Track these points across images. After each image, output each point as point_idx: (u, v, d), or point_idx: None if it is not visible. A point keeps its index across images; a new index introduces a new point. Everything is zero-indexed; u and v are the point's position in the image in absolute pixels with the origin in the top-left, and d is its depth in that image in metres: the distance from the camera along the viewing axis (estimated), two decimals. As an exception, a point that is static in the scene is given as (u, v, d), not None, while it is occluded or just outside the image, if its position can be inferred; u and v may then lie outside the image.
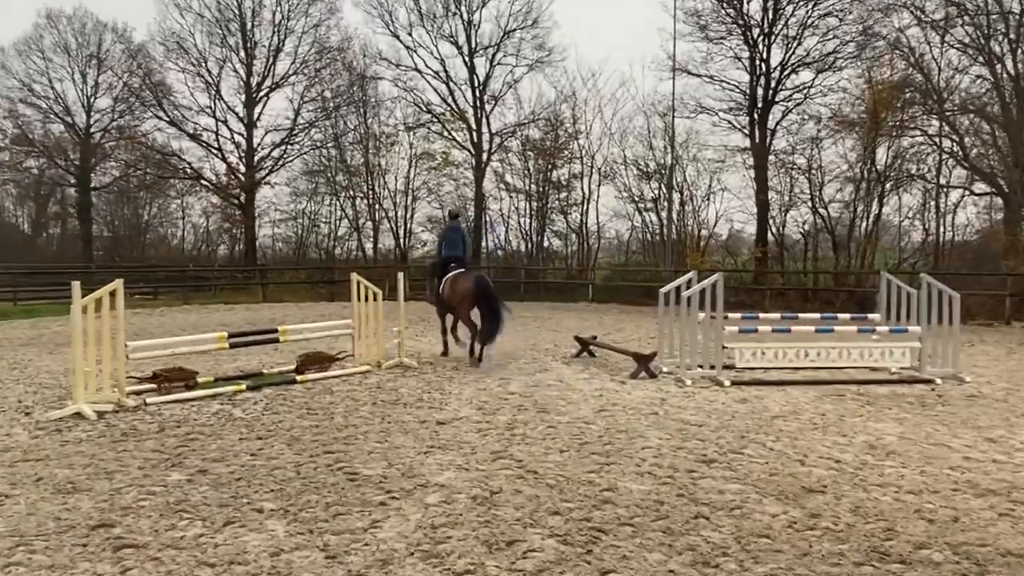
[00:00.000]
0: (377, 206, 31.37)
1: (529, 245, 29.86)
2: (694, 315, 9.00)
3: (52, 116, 36.72)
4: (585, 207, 29.07)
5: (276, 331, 9.13)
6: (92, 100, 37.13)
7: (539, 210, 29.45)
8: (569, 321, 16.96)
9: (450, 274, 10.36)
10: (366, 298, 9.85)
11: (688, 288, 9.41)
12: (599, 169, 28.95)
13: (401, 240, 31.33)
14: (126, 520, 4.17)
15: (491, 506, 4.42)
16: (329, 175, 32.31)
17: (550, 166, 29.20)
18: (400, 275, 10.48)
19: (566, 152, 29.48)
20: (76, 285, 6.96)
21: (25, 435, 6.16)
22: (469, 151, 29.60)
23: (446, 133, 29.72)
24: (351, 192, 31.88)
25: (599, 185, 29.13)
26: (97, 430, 6.34)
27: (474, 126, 29.10)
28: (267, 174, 33.19)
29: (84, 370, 6.95)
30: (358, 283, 9.79)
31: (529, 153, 29.37)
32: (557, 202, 29.61)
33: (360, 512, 4.31)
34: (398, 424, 6.52)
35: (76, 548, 3.78)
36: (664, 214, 27.25)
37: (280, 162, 32.64)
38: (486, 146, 29.32)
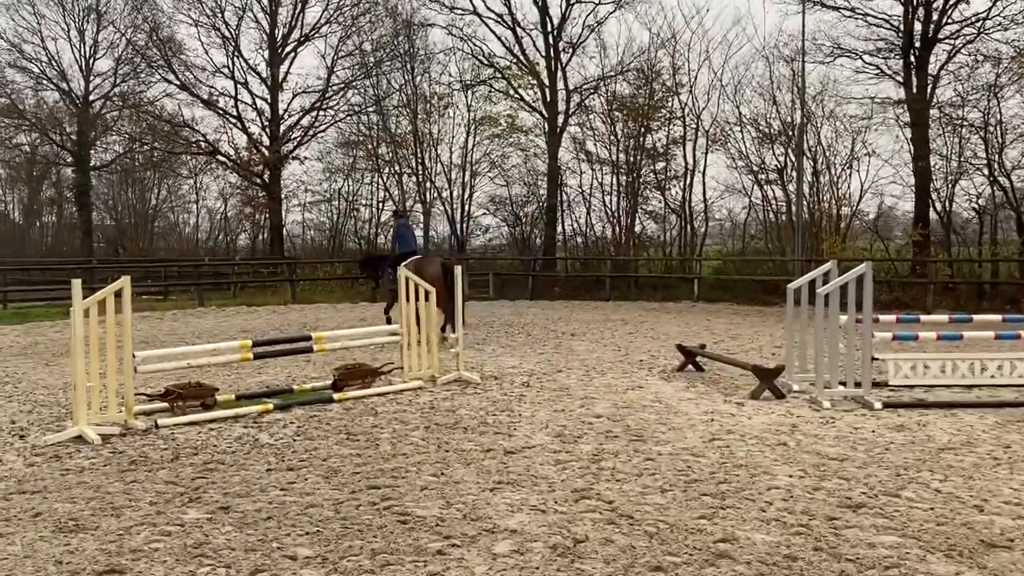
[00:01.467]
0: (428, 184, 31.83)
1: (617, 230, 29.75)
2: (834, 318, 8.79)
3: (45, 82, 38.71)
4: (688, 180, 28.78)
5: (310, 338, 9.39)
6: (91, 62, 39.00)
7: (629, 185, 29.30)
8: (668, 325, 16.81)
9: (408, 263, 13.13)
10: (416, 298, 10.02)
11: (825, 283, 9.21)
12: (707, 132, 28.63)
13: (457, 225, 31.74)
14: (137, 566, 4.36)
15: (574, 558, 4.42)
16: (370, 147, 32.97)
17: (643, 129, 29.00)
18: (458, 269, 10.58)
19: (664, 111, 29.22)
20: (76, 284, 7.32)
21: (20, 462, 6.53)
22: (541, 113, 29.69)
23: (512, 91, 29.88)
24: (396, 167, 32.46)
25: (707, 152, 28.82)
26: (102, 457, 6.65)
27: (547, 82, 29.16)
28: (295, 147, 34.15)
29: (86, 385, 7.31)
30: (407, 280, 9.97)
31: (616, 114, 29.25)
32: (652, 175, 29.39)
33: (413, 562, 4.38)
34: (457, 454, 6.61)
35: (81, 598, 3.98)
36: (792, 187, 26.64)
37: (310, 132, 33.53)
38: (562, 107, 29.33)
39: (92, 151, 40.03)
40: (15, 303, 22.41)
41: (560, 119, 29.20)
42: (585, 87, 29.41)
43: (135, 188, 41.08)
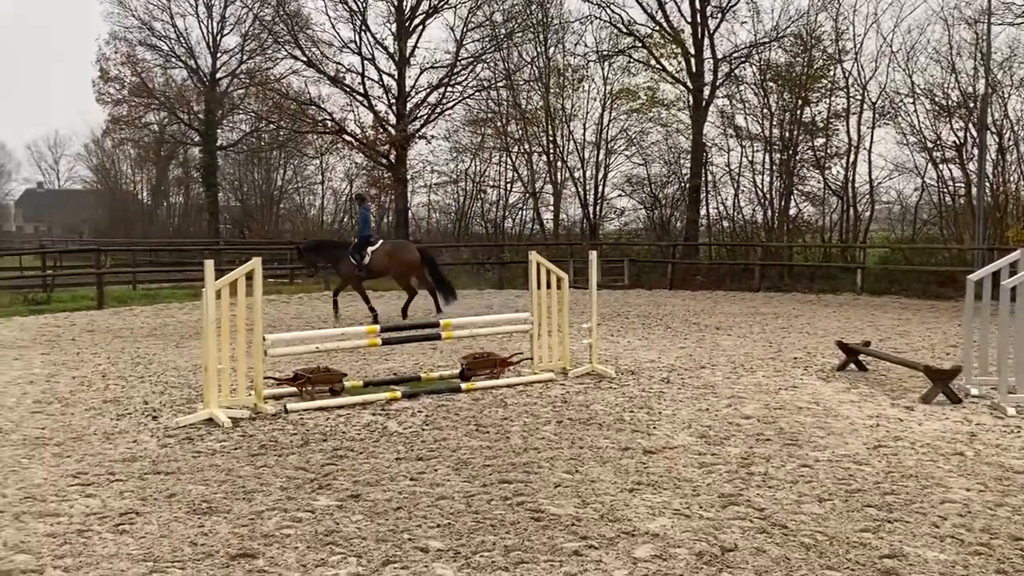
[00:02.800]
0: (560, 163, 31.92)
1: (769, 213, 28.99)
2: (1022, 314, 8.34)
3: (173, 60, 41.12)
4: (852, 159, 27.73)
5: (438, 325, 9.64)
6: (218, 38, 41.17)
7: (784, 164, 28.48)
8: (827, 320, 16.30)
9: (378, 247, 15.82)
10: (548, 285, 10.12)
11: (1012, 275, 8.77)
12: (873, 104, 27.48)
13: (590, 208, 31.72)
14: (270, 551, 4.64)
15: (722, 567, 4.41)
16: (499, 124, 33.35)
17: (800, 102, 28.11)
18: (593, 255, 10.61)
19: (824, 82, 28.22)
20: (209, 265, 7.78)
21: (154, 443, 7.02)
22: (685, 85, 29.23)
23: (653, 62, 29.53)
24: (526, 146, 32.70)
25: (873, 127, 27.67)
26: (232, 440, 7.07)
27: (692, 50, 28.66)
28: (422, 125, 34.90)
29: (217, 368, 7.77)
30: (538, 265, 10.08)
31: (770, 85, 28.47)
32: (810, 152, 28.47)
33: (548, 561, 4.47)
34: (592, 451, 6.66)
35: (216, 578, 4.27)
36: (973, 167, 25.22)
37: (437, 109, 34.18)
38: (708, 77, 28.79)
39: (218, 129, 42.29)
40: (143, 284, 23.95)
41: (706, 91, 28.65)
42: (735, 55, 28.74)
43: (260, 168, 43.04)
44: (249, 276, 8.22)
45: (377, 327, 9.37)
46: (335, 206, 41.46)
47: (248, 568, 4.41)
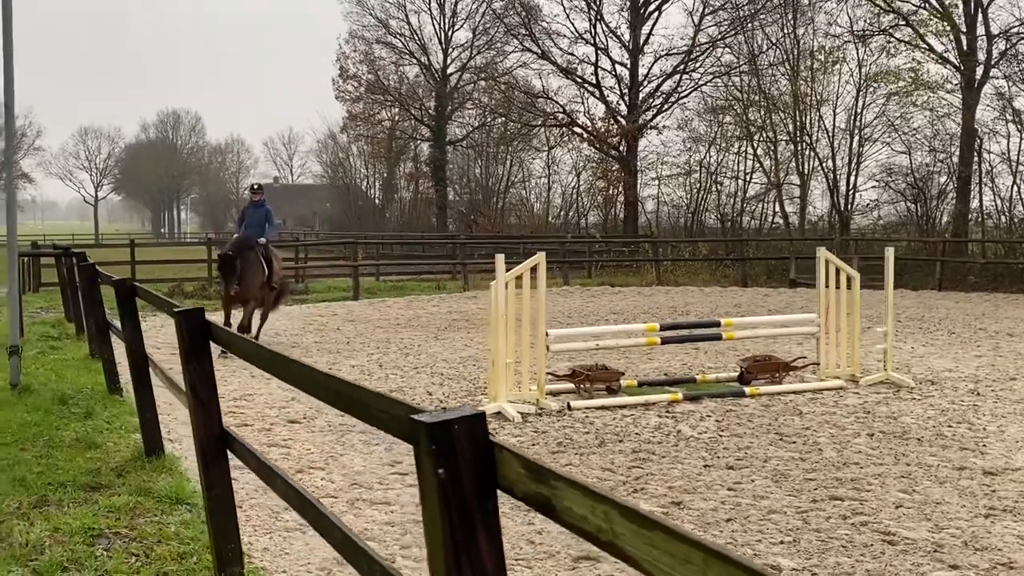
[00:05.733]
0: (809, 152, 30.49)
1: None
2: None
3: (407, 57, 42.99)
4: None
5: (718, 324, 9.40)
6: (450, 33, 42.67)
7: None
8: None
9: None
10: (836, 285, 9.63)
11: None
12: None
13: (839, 199, 30.11)
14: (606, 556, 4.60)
15: None
16: (739, 111, 32.41)
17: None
18: (889, 251, 9.99)
19: None
20: (500, 259, 7.95)
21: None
22: (954, 66, 27.13)
23: (918, 40, 27.61)
24: (770, 133, 31.51)
25: None
26: (527, 436, 7.17)
27: (963, 27, 26.58)
28: (654, 115, 34.58)
29: (506, 362, 7.90)
30: (827, 263, 9.61)
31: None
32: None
33: (922, 591, 4.16)
34: (923, 469, 6.21)
35: (566, 581, 4.26)
36: None
37: (671, 98, 33.73)
38: (982, 56, 26.60)
39: (448, 124, 43.84)
40: (387, 276, 25.11)
41: (979, 72, 26.47)
42: (1014, 31, 26.37)
43: (488, 162, 44.17)
44: (533, 270, 8.32)
45: (657, 325, 9.24)
46: (561, 200, 41.84)
47: (597, 573, 4.38)
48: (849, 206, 30.03)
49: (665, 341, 9.29)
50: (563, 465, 6.30)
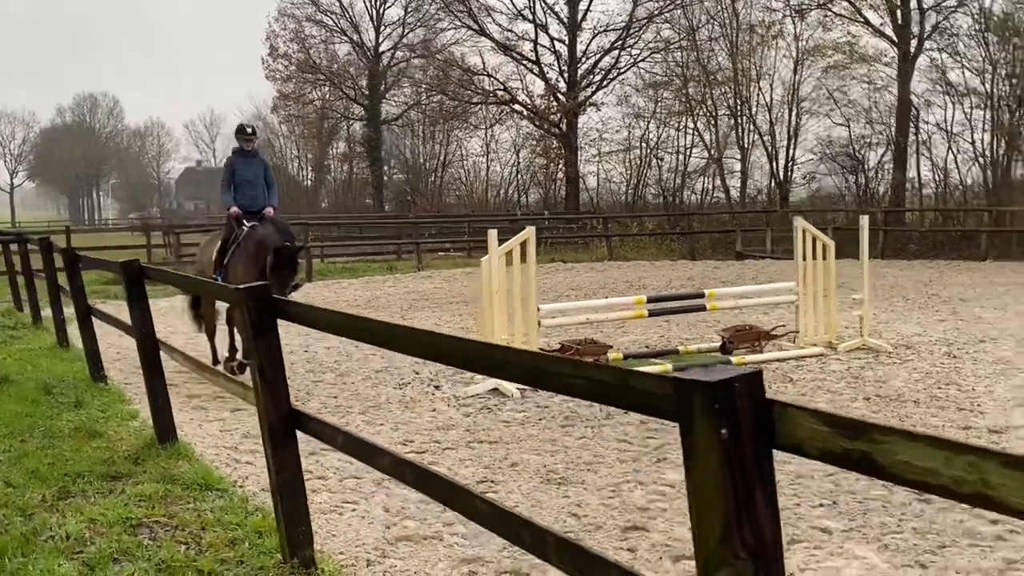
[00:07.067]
0: (749, 125, 30.98)
1: (989, 175, 27.25)
2: None
3: (337, 34, 42.33)
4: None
5: (702, 296, 9.50)
6: (382, 11, 42.12)
7: (1002, 123, 26.71)
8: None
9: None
10: (813, 255, 9.81)
11: None
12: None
13: (779, 171, 30.64)
14: (656, 524, 4.63)
15: None
16: (679, 86, 32.72)
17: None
18: (864, 219, 10.21)
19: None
20: (492, 234, 7.91)
21: (454, 412, 7.20)
22: (890, 39, 27.81)
23: (855, 14, 28.20)
24: (710, 107, 31.89)
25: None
26: (530, 410, 7.17)
27: (898, 0, 27.24)
28: (594, 91, 34.69)
29: (501, 338, 7.88)
30: (803, 232, 9.77)
31: (988, 35, 26.70)
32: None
33: (970, 545, 4.29)
34: (930, 430, 6.37)
35: (623, 554, 4.27)
36: None
37: (611, 75, 33.87)
38: (915, 29, 27.31)
39: (382, 103, 43.32)
40: (331, 258, 24.74)
41: (913, 44, 27.17)
42: (946, 4, 27.11)
43: (424, 141, 43.83)
44: (523, 245, 8.29)
45: (644, 297, 9.29)
46: (500, 179, 41.76)
47: (651, 542, 4.41)
48: (788, 178, 30.65)
49: (652, 314, 9.36)
50: (578, 437, 6.32)
